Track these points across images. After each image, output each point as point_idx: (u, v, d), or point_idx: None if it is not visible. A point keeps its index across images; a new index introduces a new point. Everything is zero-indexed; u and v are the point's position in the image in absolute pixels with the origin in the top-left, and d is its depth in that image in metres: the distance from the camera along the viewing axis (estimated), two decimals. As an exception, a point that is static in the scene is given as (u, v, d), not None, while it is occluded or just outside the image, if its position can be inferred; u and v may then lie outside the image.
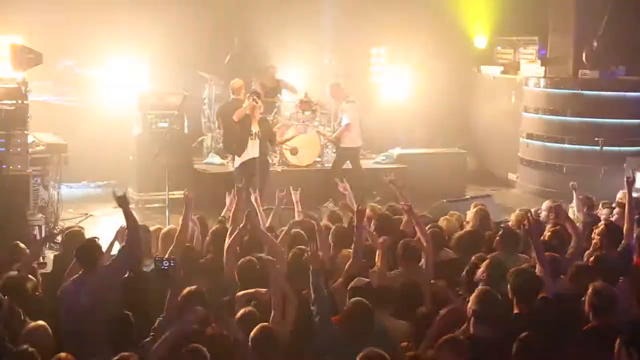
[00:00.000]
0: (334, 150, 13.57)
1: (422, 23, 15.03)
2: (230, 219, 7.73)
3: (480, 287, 5.99)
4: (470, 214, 9.01)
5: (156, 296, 6.32)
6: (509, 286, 6.23)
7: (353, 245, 7.13)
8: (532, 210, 8.73)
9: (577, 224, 8.52)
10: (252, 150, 11.61)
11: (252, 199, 8.64)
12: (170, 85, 13.19)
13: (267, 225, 8.23)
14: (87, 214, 11.97)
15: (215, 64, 14.37)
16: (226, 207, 8.83)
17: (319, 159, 13.57)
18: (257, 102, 11.54)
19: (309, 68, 15.03)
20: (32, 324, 5.90)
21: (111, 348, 5.59)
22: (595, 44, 14.04)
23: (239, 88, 12.11)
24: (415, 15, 15.00)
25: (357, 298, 5.94)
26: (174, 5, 13.83)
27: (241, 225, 7.32)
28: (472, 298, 5.81)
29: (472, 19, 15.96)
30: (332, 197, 12.01)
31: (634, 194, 8.77)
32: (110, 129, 13.34)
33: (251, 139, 11.56)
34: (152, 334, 5.85)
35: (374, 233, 7.75)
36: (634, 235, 7.85)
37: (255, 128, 11.56)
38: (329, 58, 15.18)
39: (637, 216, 8.28)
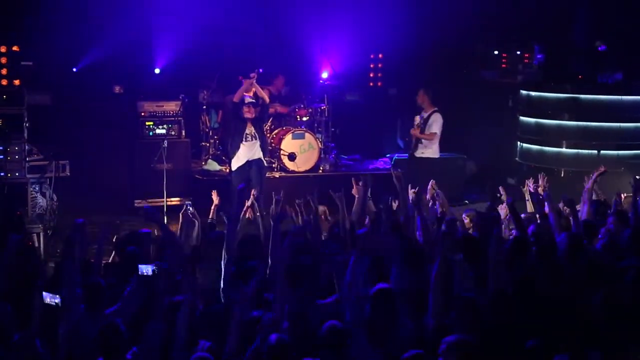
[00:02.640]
0: (336, 156, 13.60)
1: (420, 27, 15.04)
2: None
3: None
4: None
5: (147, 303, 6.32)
6: None
7: None
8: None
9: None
10: (247, 153, 11.61)
11: (249, 202, 8.61)
12: (168, 92, 13.20)
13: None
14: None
15: (213, 70, 14.37)
16: (214, 205, 8.79)
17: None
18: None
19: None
20: (20, 334, 5.85)
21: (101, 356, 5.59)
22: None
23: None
24: (414, 19, 15.01)
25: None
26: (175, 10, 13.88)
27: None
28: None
29: (470, 22, 15.96)
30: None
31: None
32: (108, 135, 13.35)
33: (246, 140, 11.57)
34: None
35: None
36: None
37: (250, 130, 11.59)
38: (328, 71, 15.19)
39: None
